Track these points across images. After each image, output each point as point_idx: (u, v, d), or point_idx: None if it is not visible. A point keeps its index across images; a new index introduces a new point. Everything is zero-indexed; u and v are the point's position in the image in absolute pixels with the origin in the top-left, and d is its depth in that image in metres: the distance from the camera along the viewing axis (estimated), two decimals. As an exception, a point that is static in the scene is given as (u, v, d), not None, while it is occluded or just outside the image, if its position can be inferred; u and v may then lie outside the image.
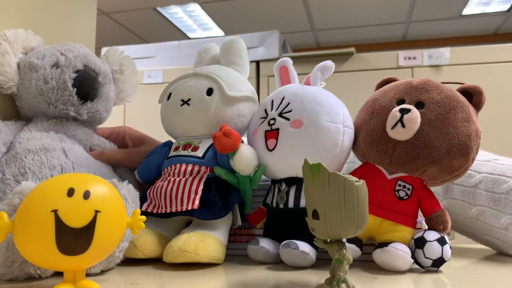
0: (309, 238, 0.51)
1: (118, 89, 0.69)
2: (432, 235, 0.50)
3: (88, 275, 0.47)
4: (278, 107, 0.57)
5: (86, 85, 0.60)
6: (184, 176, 0.57)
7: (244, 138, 0.61)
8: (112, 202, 0.39)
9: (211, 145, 0.58)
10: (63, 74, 0.59)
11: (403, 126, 0.50)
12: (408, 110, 0.50)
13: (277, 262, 0.55)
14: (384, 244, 0.50)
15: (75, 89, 0.59)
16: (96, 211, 0.37)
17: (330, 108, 0.55)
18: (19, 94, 0.61)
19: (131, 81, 0.71)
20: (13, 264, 0.43)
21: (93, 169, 0.59)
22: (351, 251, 0.50)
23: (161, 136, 0.68)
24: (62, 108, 0.60)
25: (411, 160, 0.51)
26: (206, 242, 0.52)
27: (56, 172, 0.54)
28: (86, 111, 0.62)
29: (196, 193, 0.55)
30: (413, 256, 0.50)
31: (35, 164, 0.54)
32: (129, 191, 0.50)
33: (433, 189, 0.63)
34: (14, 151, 0.55)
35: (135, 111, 1.78)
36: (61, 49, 0.62)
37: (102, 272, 0.49)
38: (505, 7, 2.82)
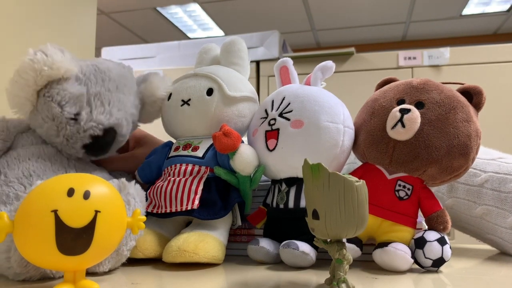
0: (309, 238, 0.51)
1: (141, 116, 0.63)
2: (432, 235, 0.50)
3: (95, 274, 0.47)
4: (279, 107, 0.57)
5: (98, 151, 0.57)
6: (184, 176, 0.57)
7: (244, 138, 0.61)
8: (112, 202, 0.39)
9: (211, 145, 0.58)
10: (77, 137, 0.54)
11: (403, 126, 0.50)
12: (408, 110, 0.50)
13: (277, 262, 0.55)
14: (384, 244, 0.50)
15: (84, 149, 0.56)
16: (96, 211, 0.37)
17: (330, 108, 0.55)
18: (30, 118, 0.56)
19: (157, 111, 0.65)
20: (29, 264, 0.43)
21: (94, 172, 0.59)
22: (351, 251, 0.50)
23: (161, 136, 0.68)
24: (68, 154, 0.57)
25: (411, 160, 0.51)
26: (206, 242, 0.52)
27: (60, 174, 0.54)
28: (92, 158, 0.60)
29: (196, 193, 0.55)
30: (413, 256, 0.49)
31: (39, 166, 0.53)
32: (137, 191, 0.51)
33: (436, 188, 0.63)
34: (16, 153, 0.55)
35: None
36: (91, 92, 0.54)
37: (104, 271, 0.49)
38: (505, 7, 2.82)
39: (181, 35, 3.33)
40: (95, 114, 0.54)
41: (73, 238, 0.36)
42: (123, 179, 0.49)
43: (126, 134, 0.59)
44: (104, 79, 0.56)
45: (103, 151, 0.58)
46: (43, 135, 0.57)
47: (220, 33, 3.29)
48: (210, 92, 0.59)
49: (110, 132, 0.56)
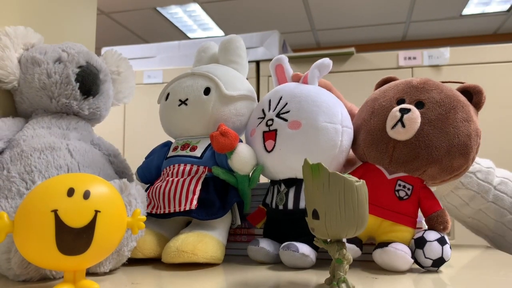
0: (309, 239, 0.51)
1: (115, 89, 0.70)
2: (432, 235, 0.50)
3: (96, 274, 0.47)
4: (276, 107, 0.57)
5: (89, 81, 0.61)
6: (182, 176, 0.57)
7: (242, 137, 0.61)
8: (112, 202, 0.39)
9: (209, 144, 0.58)
10: (66, 69, 0.60)
11: (403, 126, 0.50)
12: (408, 110, 0.50)
13: (277, 263, 0.55)
14: (384, 244, 0.50)
15: (78, 84, 0.60)
16: (96, 211, 0.37)
17: (328, 108, 0.54)
18: (20, 89, 0.61)
19: (128, 83, 0.72)
20: (30, 265, 0.43)
21: (97, 169, 0.59)
22: (351, 251, 0.50)
23: (161, 136, 0.68)
24: (64, 102, 0.60)
25: (411, 160, 0.51)
26: (204, 242, 0.52)
27: (62, 172, 0.54)
28: (87, 107, 0.62)
29: (194, 193, 0.55)
30: (413, 256, 0.49)
31: (41, 163, 0.54)
32: (138, 191, 0.51)
33: (469, 194, 0.66)
34: (19, 148, 0.55)
35: (135, 111, 1.77)
36: (62, 47, 0.62)
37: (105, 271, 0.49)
38: (505, 7, 2.82)
39: (181, 35, 3.33)
40: (73, 53, 0.61)
41: (73, 238, 0.36)
42: (125, 180, 0.49)
43: (106, 74, 0.66)
44: (66, 43, 0.65)
45: (94, 83, 0.62)
46: (35, 94, 0.60)
47: (220, 33, 3.28)
48: (207, 91, 0.59)
49: (91, 65, 0.62)
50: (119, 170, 0.67)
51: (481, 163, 0.68)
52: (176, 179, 0.57)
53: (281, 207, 0.55)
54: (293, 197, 0.55)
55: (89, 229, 0.36)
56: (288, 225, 0.54)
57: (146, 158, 0.64)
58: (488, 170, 0.67)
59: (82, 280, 0.39)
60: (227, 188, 0.58)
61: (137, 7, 2.83)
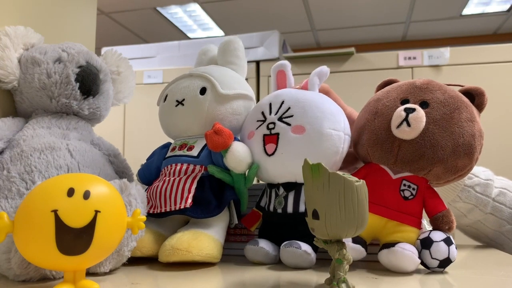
0: (309, 241, 0.50)
1: (115, 89, 0.70)
2: (438, 236, 0.49)
3: (96, 274, 0.47)
4: (278, 111, 0.56)
5: (89, 80, 0.61)
6: (179, 175, 0.57)
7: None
8: (112, 202, 0.39)
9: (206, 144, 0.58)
10: (66, 69, 0.60)
11: (409, 125, 0.50)
12: (413, 110, 0.50)
13: (275, 264, 0.54)
14: (391, 244, 0.49)
15: (78, 83, 0.60)
16: (96, 211, 0.37)
17: (332, 115, 0.54)
18: (20, 89, 0.61)
19: (128, 83, 0.72)
20: (30, 265, 0.43)
21: (97, 169, 0.59)
22: (357, 251, 0.50)
23: (161, 136, 0.68)
24: (64, 102, 0.60)
25: (417, 160, 0.51)
26: (199, 240, 0.52)
27: (62, 172, 0.54)
28: (87, 107, 0.62)
29: (189, 191, 0.55)
30: (419, 257, 0.49)
31: (41, 163, 0.54)
32: (138, 191, 0.51)
33: (468, 206, 0.66)
34: (19, 148, 0.55)
35: (135, 111, 1.77)
36: (62, 47, 0.62)
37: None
38: (505, 7, 2.82)
39: (181, 35, 3.33)
40: (73, 53, 0.62)
41: (73, 238, 0.36)
42: (125, 180, 0.49)
43: (106, 74, 0.65)
44: (67, 43, 0.65)
45: (94, 83, 0.62)
46: (35, 94, 0.60)
47: (220, 33, 3.28)
48: (203, 91, 0.59)
49: (91, 65, 0.62)
50: (119, 170, 0.67)
51: (480, 175, 0.67)
52: (173, 178, 0.57)
53: (279, 210, 0.55)
54: (292, 201, 0.55)
55: (89, 229, 0.36)
56: (288, 228, 0.54)
57: (147, 159, 0.64)
58: (487, 183, 0.66)
59: (82, 280, 0.39)
60: (223, 186, 0.58)
61: (137, 7, 2.83)
